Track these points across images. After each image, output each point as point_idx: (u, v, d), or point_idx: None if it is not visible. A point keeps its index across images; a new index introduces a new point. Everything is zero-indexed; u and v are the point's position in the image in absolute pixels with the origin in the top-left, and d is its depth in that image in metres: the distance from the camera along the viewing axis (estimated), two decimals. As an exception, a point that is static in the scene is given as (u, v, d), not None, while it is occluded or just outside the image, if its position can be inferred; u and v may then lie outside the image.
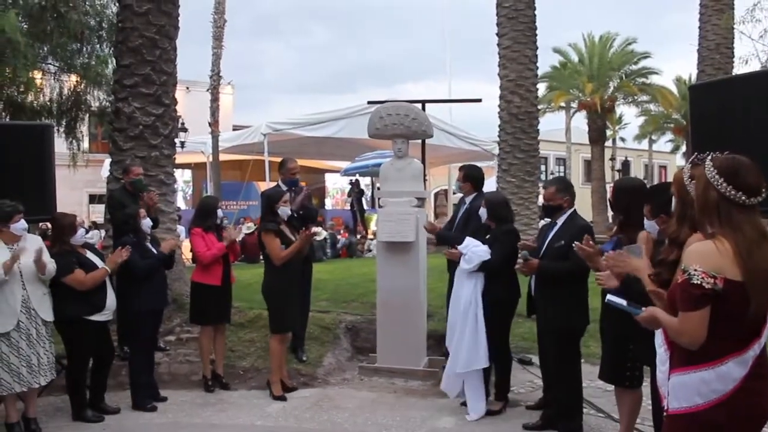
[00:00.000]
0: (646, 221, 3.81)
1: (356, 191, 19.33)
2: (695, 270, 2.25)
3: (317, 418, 5.31)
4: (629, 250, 2.96)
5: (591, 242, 3.97)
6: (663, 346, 2.53)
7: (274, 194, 5.93)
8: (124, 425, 5.20)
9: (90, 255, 5.36)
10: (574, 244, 3.96)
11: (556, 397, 4.85)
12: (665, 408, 2.46)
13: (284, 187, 6.54)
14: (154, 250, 5.71)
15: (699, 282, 2.24)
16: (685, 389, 2.36)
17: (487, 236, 5.33)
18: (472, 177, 6.20)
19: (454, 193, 18.57)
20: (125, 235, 5.68)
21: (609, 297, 2.79)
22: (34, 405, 5.02)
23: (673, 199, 2.99)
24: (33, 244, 5.02)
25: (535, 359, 6.02)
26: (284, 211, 5.82)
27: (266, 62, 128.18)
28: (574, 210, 4.81)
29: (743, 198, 2.31)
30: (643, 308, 2.53)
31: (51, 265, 4.99)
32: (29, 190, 5.60)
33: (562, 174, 36.18)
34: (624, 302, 2.65)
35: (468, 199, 6.12)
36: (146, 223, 5.69)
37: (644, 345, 3.46)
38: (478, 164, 19.58)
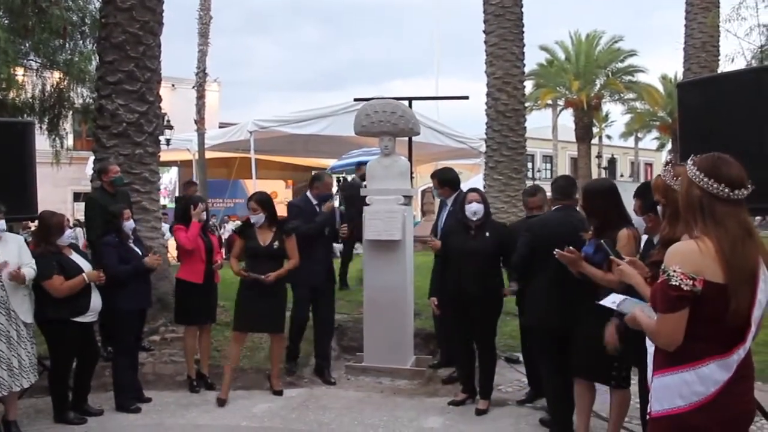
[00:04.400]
0: (634, 216, 3.80)
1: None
2: (674, 271, 2.21)
3: (304, 418, 5.26)
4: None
5: (572, 248, 3.95)
6: (653, 347, 2.50)
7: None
8: (107, 427, 5.12)
9: (74, 256, 5.24)
10: (555, 252, 3.95)
11: (545, 395, 4.84)
12: (648, 410, 2.44)
13: (314, 201, 6.36)
14: (138, 250, 5.63)
15: (677, 283, 2.20)
16: (667, 391, 2.32)
17: (487, 233, 5.28)
18: (447, 181, 6.19)
19: (434, 198, 18.58)
20: (108, 235, 5.60)
21: (601, 302, 2.78)
22: (15, 407, 4.91)
23: (659, 208, 2.99)
24: (14, 243, 4.92)
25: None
26: (257, 219, 5.68)
27: (254, 59, 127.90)
28: (561, 206, 4.68)
29: (727, 191, 2.27)
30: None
31: (30, 271, 4.85)
32: (10, 189, 5.51)
33: (548, 171, 36.36)
34: (616, 302, 2.65)
35: (449, 201, 6.10)
36: (128, 225, 5.58)
37: (631, 346, 3.45)
38: (465, 162, 19.51)
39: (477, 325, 5.30)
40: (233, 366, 5.76)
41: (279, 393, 5.80)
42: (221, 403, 5.53)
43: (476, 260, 5.19)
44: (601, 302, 2.79)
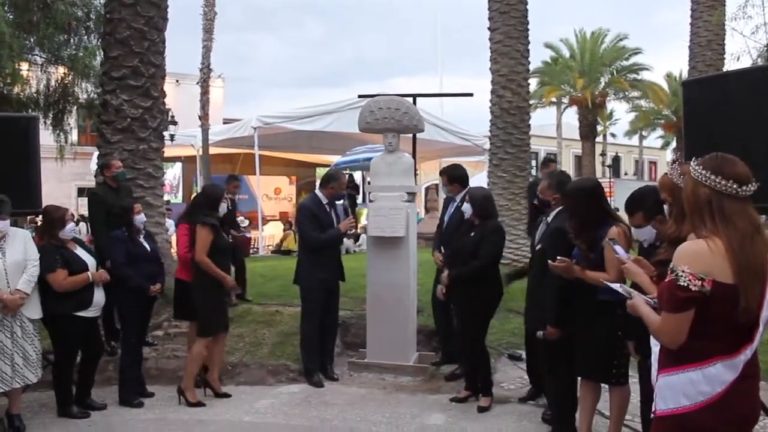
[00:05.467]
0: (636, 230, 3.76)
1: (349, 186, 19.25)
2: (683, 271, 2.20)
3: (306, 414, 5.27)
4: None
5: (561, 257, 3.97)
6: (658, 345, 2.50)
7: (214, 192, 5.81)
8: (111, 421, 5.14)
9: (79, 251, 5.26)
10: (549, 263, 3.99)
11: (546, 395, 4.84)
12: (653, 409, 2.43)
13: (325, 200, 6.22)
14: (147, 246, 5.63)
15: (685, 284, 2.19)
16: (672, 390, 2.32)
17: (472, 233, 5.29)
18: (456, 178, 6.20)
19: (437, 195, 18.58)
20: (117, 229, 5.61)
21: (606, 282, 2.81)
22: (18, 401, 4.94)
23: (665, 207, 2.99)
24: (20, 239, 4.93)
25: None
26: (222, 207, 5.71)
27: (258, 56, 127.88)
28: (563, 208, 4.57)
29: (735, 187, 2.27)
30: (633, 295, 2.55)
31: (33, 271, 4.88)
32: (14, 184, 5.51)
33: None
34: (619, 286, 2.66)
35: (458, 197, 6.09)
36: (139, 219, 5.59)
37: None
38: (469, 159, 19.47)
39: (471, 324, 5.30)
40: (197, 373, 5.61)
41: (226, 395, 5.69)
42: (200, 404, 5.43)
43: (457, 259, 5.28)
44: (607, 282, 2.83)
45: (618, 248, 3.15)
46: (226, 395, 5.67)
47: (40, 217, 6.67)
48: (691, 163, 2.39)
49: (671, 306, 2.24)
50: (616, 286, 2.72)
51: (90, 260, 5.24)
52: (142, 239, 5.63)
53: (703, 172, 2.31)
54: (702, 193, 2.32)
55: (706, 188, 2.31)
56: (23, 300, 4.77)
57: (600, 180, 5.24)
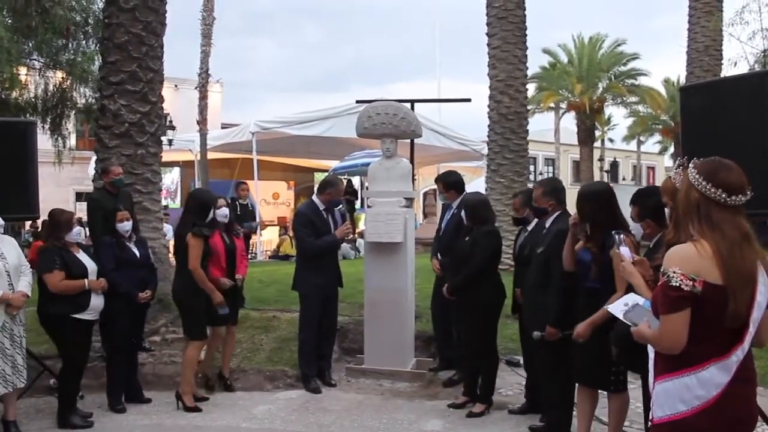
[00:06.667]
0: (632, 223, 3.78)
1: (348, 192, 19.27)
2: (674, 272, 2.22)
3: (303, 420, 5.25)
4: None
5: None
6: (654, 352, 2.49)
7: (208, 197, 5.78)
8: (107, 427, 5.11)
9: (81, 255, 5.24)
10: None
11: (545, 397, 4.82)
12: (651, 417, 2.43)
13: (322, 207, 6.20)
14: (136, 252, 5.59)
15: (677, 284, 2.21)
16: (668, 396, 2.32)
17: (467, 238, 5.31)
18: (452, 184, 6.22)
19: (435, 200, 18.60)
20: (106, 235, 5.59)
21: (608, 308, 2.78)
22: (14, 407, 4.90)
23: (666, 210, 2.99)
24: (10, 244, 4.92)
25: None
26: (221, 213, 5.76)
27: (257, 60, 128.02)
28: (561, 213, 4.65)
29: (723, 196, 2.28)
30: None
31: (29, 275, 4.91)
32: (11, 188, 5.52)
33: (551, 174, 36.31)
34: (629, 304, 2.64)
35: (455, 204, 6.10)
36: (121, 227, 5.49)
37: (630, 351, 3.43)
38: (467, 164, 19.43)
39: (476, 329, 5.29)
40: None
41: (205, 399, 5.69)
42: (197, 410, 5.42)
43: (456, 264, 5.33)
44: (609, 309, 2.80)
45: (623, 248, 3.13)
46: (232, 388, 5.84)
47: (39, 221, 6.67)
48: (691, 163, 2.40)
49: (666, 307, 2.26)
50: (617, 313, 2.69)
51: (91, 265, 5.22)
52: (132, 245, 5.60)
53: (697, 176, 2.33)
54: (693, 196, 2.34)
55: (696, 192, 2.33)
56: (25, 301, 4.79)
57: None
